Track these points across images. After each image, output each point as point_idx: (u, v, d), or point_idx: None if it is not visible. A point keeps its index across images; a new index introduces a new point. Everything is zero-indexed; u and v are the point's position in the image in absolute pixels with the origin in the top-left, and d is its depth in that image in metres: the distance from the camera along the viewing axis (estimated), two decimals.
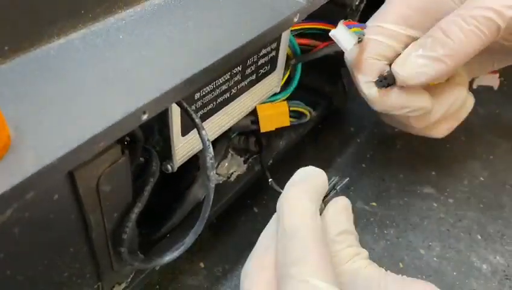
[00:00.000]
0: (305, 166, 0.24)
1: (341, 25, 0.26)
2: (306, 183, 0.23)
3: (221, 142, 0.29)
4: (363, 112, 0.42)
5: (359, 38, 0.26)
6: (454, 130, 0.44)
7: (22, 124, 0.16)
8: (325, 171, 0.24)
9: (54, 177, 0.16)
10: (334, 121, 0.41)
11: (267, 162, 0.32)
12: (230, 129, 0.29)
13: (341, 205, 0.24)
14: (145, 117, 0.18)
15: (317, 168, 0.24)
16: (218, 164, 0.29)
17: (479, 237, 0.36)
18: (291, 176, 0.24)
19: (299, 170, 0.24)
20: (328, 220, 0.23)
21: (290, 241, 0.21)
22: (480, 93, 0.48)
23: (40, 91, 0.18)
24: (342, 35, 0.26)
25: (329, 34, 0.26)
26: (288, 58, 0.31)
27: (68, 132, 0.16)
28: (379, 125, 0.42)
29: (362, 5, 0.31)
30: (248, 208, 0.34)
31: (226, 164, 0.30)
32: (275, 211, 0.23)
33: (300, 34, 0.32)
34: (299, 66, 0.32)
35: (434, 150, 0.42)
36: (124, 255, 0.21)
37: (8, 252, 0.17)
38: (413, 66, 0.28)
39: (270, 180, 0.30)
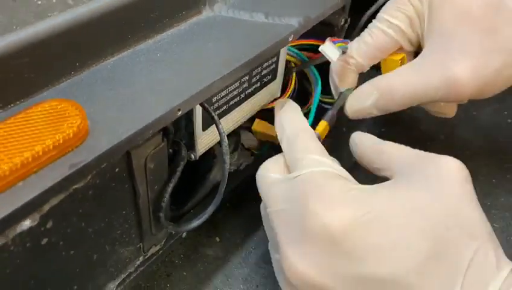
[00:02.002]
0: None
1: (328, 41, 0.33)
2: (291, 105, 0.32)
3: (232, 137, 0.35)
4: None
5: (343, 51, 0.33)
6: (434, 130, 0.50)
7: (95, 117, 0.23)
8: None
9: (117, 155, 0.23)
10: None
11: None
12: (240, 127, 0.35)
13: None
14: (179, 113, 0.24)
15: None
16: (230, 154, 0.36)
17: None
18: None
19: (277, 102, 0.34)
20: None
21: (294, 142, 0.29)
22: None
23: (104, 94, 0.24)
24: (329, 49, 0.32)
25: (319, 48, 0.33)
26: (290, 68, 0.38)
27: (127, 123, 0.23)
28: (368, 126, 0.48)
29: (346, 25, 0.37)
30: (256, 194, 0.41)
31: (236, 156, 0.37)
32: None
33: (298, 48, 0.38)
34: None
35: (415, 147, 0.48)
36: (162, 219, 0.28)
37: (83, 209, 0.23)
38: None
39: None
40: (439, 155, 0.27)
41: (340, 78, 0.35)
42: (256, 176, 0.30)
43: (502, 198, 0.43)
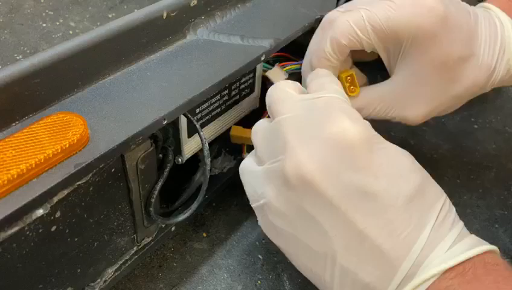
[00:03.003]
0: None
1: (275, 67, 0.37)
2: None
3: (215, 143, 0.40)
4: None
5: (290, 75, 0.38)
6: (405, 136, 0.55)
7: (95, 126, 0.27)
8: None
9: (113, 157, 0.27)
10: None
11: None
12: (222, 134, 0.40)
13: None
14: (165, 122, 0.29)
15: None
16: (214, 159, 0.41)
17: None
18: None
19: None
20: None
21: (317, 69, 0.34)
22: None
23: (103, 108, 0.29)
24: (274, 74, 0.37)
25: (266, 74, 0.37)
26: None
27: (121, 131, 0.27)
28: None
29: None
30: (239, 195, 0.45)
31: (220, 160, 0.42)
32: None
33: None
34: None
35: None
36: (152, 213, 0.32)
37: (85, 202, 0.28)
38: None
39: None
40: None
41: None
42: (273, 88, 0.32)
43: (464, 196, 0.47)
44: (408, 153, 0.29)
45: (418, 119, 0.37)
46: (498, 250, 0.28)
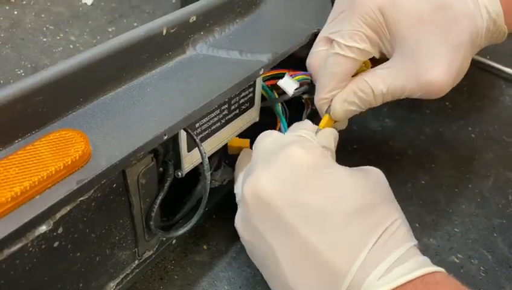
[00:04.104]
0: None
1: (286, 76, 0.38)
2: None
3: (215, 156, 0.41)
4: None
5: (301, 83, 0.38)
6: (403, 145, 0.55)
7: (96, 143, 0.28)
8: None
9: (115, 172, 0.28)
10: None
11: None
12: (222, 147, 0.40)
13: (329, 130, 0.37)
14: (165, 137, 0.30)
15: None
16: (214, 172, 0.41)
17: (417, 225, 0.44)
18: None
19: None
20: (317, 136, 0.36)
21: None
22: (427, 115, 0.59)
23: (104, 124, 0.29)
24: (286, 83, 0.38)
25: (277, 83, 0.38)
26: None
27: (122, 147, 0.28)
28: (340, 144, 0.53)
29: None
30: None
31: (220, 173, 0.42)
32: None
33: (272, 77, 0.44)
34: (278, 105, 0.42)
35: (385, 161, 0.52)
36: (152, 227, 0.33)
37: (87, 218, 0.28)
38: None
39: None
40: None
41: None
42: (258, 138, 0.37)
43: (463, 205, 0.48)
44: (363, 176, 0.32)
45: (439, 84, 0.34)
46: (444, 271, 0.28)
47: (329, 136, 0.37)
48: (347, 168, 0.32)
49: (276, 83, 0.40)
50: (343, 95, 0.37)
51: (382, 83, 0.35)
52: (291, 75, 0.38)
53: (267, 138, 0.35)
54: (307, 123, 0.38)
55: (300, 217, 0.29)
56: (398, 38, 0.34)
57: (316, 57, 0.39)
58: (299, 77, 0.39)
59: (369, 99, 0.36)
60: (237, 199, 0.37)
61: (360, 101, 0.36)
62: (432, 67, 0.33)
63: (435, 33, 0.33)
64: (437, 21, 0.34)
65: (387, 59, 0.37)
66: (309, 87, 0.40)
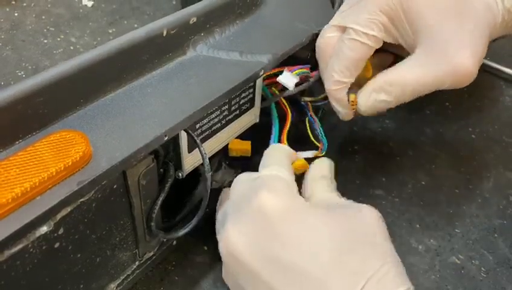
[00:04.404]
0: None
1: (285, 71, 0.37)
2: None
3: (216, 157, 0.41)
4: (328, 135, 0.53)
5: (301, 77, 0.38)
6: (404, 146, 0.55)
7: (97, 144, 0.28)
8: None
9: (115, 173, 0.28)
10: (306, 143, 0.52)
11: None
12: (223, 148, 0.41)
13: (325, 161, 0.37)
14: (165, 138, 0.30)
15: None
16: (214, 172, 0.41)
17: (418, 226, 0.44)
18: None
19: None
20: (312, 167, 0.36)
21: (265, 156, 0.36)
22: (427, 116, 0.59)
23: (104, 125, 0.29)
24: (286, 78, 0.37)
25: (277, 79, 0.38)
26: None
27: (122, 148, 0.28)
28: (341, 145, 0.53)
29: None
30: None
31: (221, 174, 0.42)
32: None
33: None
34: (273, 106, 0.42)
35: (385, 162, 0.52)
36: (153, 228, 0.33)
37: (88, 219, 0.28)
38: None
39: None
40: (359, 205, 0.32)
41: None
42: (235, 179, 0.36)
43: (463, 206, 0.47)
44: (345, 218, 0.30)
45: (467, 68, 0.33)
46: None
47: (324, 166, 0.36)
48: (326, 210, 0.30)
49: (272, 82, 0.40)
50: (369, 86, 0.36)
51: (410, 74, 0.35)
52: (289, 70, 0.38)
53: (242, 179, 0.34)
54: (281, 151, 0.36)
55: (274, 272, 0.27)
56: (420, 29, 0.34)
57: (328, 42, 0.38)
58: (298, 71, 0.39)
59: (397, 92, 0.35)
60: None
61: (388, 94, 0.36)
62: (459, 51, 0.33)
63: (457, 21, 0.34)
64: (458, 10, 0.34)
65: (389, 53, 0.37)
66: (310, 82, 0.40)
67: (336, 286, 0.26)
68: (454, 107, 0.60)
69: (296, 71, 0.39)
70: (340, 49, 0.36)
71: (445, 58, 0.33)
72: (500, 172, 0.51)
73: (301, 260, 0.27)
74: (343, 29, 0.36)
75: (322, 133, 0.41)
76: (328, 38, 0.38)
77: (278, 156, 0.35)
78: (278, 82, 0.38)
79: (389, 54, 0.42)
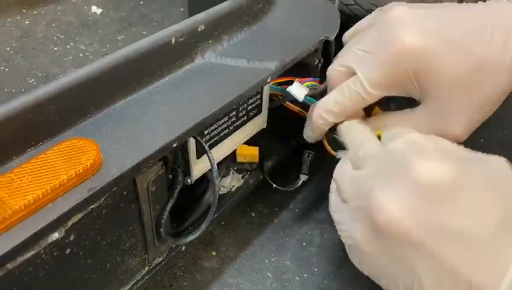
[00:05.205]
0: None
1: (295, 82, 0.38)
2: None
3: (224, 163, 0.41)
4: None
5: (310, 90, 0.39)
6: None
7: (107, 151, 0.28)
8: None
9: (125, 180, 0.28)
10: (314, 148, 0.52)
11: (266, 172, 0.44)
12: (231, 153, 0.41)
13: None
14: (175, 145, 0.30)
15: None
16: (222, 178, 0.41)
17: None
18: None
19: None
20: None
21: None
22: None
23: (114, 132, 0.30)
24: (296, 89, 0.38)
25: (287, 89, 0.38)
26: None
27: (132, 155, 0.28)
28: None
29: (320, 64, 0.43)
30: (247, 213, 0.46)
31: (229, 180, 0.42)
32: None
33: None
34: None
35: None
36: (162, 233, 0.33)
37: (98, 225, 0.29)
38: None
39: (274, 185, 0.43)
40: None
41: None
42: (351, 131, 0.36)
43: None
44: (499, 181, 0.29)
45: (460, 137, 0.35)
46: None
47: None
48: (476, 174, 0.29)
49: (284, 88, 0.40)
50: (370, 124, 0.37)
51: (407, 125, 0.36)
52: (300, 82, 0.38)
53: (370, 144, 0.34)
54: (407, 118, 0.36)
55: (444, 240, 0.27)
56: (429, 94, 0.35)
57: (335, 74, 0.38)
58: (308, 83, 0.39)
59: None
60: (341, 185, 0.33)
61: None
62: (455, 124, 0.35)
63: (467, 93, 0.34)
64: (472, 81, 0.34)
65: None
66: (317, 91, 0.40)
67: (504, 248, 0.26)
68: None
69: (307, 83, 0.39)
70: (342, 92, 0.36)
71: (440, 126, 0.35)
72: None
73: (471, 228, 0.27)
74: (352, 71, 0.36)
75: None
76: (336, 71, 0.37)
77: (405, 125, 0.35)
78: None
79: None
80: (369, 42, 0.36)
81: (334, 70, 0.37)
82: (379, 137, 0.36)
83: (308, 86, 0.39)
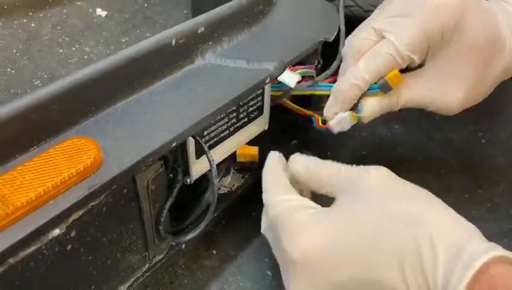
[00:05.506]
0: None
1: (286, 70, 0.38)
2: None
3: (224, 163, 0.42)
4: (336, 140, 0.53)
5: (302, 76, 0.39)
6: (412, 151, 0.55)
7: (108, 150, 0.29)
8: None
9: (125, 178, 0.29)
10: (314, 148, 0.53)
11: None
12: (231, 154, 0.41)
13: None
14: (174, 144, 0.31)
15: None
16: (222, 178, 0.42)
17: None
18: None
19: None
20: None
21: (266, 190, 0.36)
22: (436, 121, 0.59)
23: (115, 132, 0.30)
24: (287, 77, 0.38)
25: (278, 78, 0.38)
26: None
27: (132, 154, 0.29)
28: (349, 150, 0.54)
29: (319, 65, 0.43)
30: (247, 213, 0.46)
31: (229, 180, 0.43)
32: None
33: None
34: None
35: (394, 167, 0.52)
36: (162, 231, 0.34)
37: (99, 222, 0.29)
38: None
39: None
40: (364, 168, 0.34)
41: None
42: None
43: (473, 211, 0.47)
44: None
45: (454, 107, 0.37)
46: None
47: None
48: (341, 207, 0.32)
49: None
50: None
51: (407, 90, 0.37)
52: (291, 70, 0.39)
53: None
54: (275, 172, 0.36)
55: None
56: (440, 56, 0.36)
57: (362, 43, 0.38)
58: (301, 70, 0.39)
59: (392, 103, 0.38)
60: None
61: (383, 103, 0.38)
62: (454, 90, 0.36)
63: (477, 62, 0.36)
64: (484, 51, 0.35)
65: None
66: (313, 80, 0.41)
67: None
68: (464, 111, 0.59)
69: (299, 70, 0.39)
70: (372, 57, 0.37)
71: (442, 92, 0.36)
72: (510, 177, 0.51)
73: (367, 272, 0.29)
74: (381, 35, 0.37)
75: None
76: (363, 40, 0.38)
77: (274, 184, 0.36)
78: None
79: None
80: (401, 7, 0.36)
81: (363, 40, 0.37)
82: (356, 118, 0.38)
83: (300, 73, 0.39)
